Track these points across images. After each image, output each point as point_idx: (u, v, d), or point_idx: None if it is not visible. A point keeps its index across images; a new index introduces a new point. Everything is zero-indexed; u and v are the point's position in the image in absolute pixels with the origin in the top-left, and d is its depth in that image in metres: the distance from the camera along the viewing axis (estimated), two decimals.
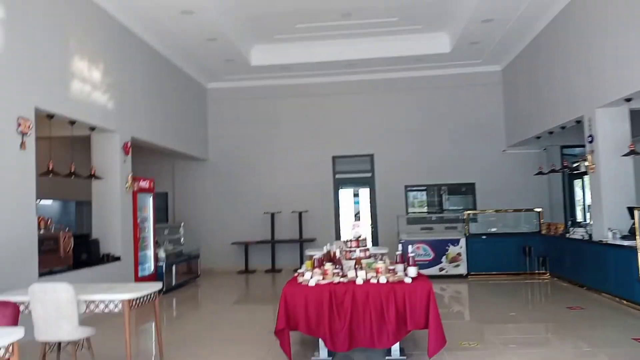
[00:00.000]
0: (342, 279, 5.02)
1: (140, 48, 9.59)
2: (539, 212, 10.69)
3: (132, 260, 8.75)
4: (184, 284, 10.47)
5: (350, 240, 5.64)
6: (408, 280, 4.89)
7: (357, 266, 5.21)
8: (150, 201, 9.62)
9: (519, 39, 10.71)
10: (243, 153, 13.18)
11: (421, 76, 12.78)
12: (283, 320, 4.78)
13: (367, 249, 5.64)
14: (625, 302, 7.08)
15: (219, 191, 13.14)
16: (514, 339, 5.83)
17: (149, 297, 4.85)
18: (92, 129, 8.02)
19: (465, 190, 12.90)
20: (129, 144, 8.82)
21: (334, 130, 13.07)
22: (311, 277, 5.03)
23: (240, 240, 12.64)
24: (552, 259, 9.80)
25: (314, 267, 5.26)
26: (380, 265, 5.14)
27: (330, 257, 5.51)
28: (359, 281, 4.91)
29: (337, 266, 5.23)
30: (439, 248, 10.17)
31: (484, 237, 10.43)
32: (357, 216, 13.65)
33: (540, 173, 10.90)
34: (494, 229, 10.93)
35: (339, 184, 13.28)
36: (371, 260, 5.47)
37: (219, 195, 13.12)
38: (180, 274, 10.26)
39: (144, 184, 9.35)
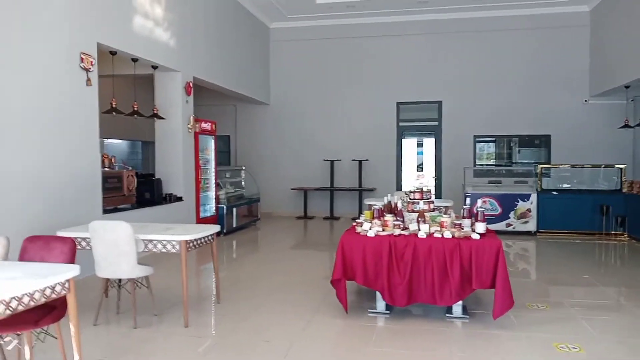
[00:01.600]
0: (403, 232, 4.76)
1: None
2: (621, 168, 9.83)
3: (193, 201, 8.87)
4: (244, 226, 10.60)
5: (414, 192, 5.32)
6: (475, 236, 4.55)
7: (420, 219, 4.91)
8: (212, 143, 9.62)
9: None
10: (303, 98, 12.89)
11: (498, 16, 11.76)
12: (340, 270, 4.62)
13: (432, 202, 5.31)
14: None
15: (279, 136, 13.02)
16: (585, 302, 5.40)
17: (206, 239, 4.81)
18: (155, 67, 7.97)
19: (539, 142, 12.06)
20: (191, 84, 8.74)
21: (399, 74, 12.45)
22: (370, 228, 4.80)
23: (299, 186, 12.59)
24: (632, 220, 9.04)
25: (373, 218, 5.03)
26: (445, 219, 4.81)
27: (390, 209, 5.23)
28: (422, 235, 4.63)
29: (398, 218, 4.95)
30: (507, 203, 9.61)
31: (556, 193, 9.74)
32: (419, 167, 13.20)
33: (626, 126, 9.94)
34: (568, 185, 10.19)
35: (402, 132, 12.78)
36: (435, 213, 5.15)
37: (279, 141, 13.02)
38: (241, 216, 10.37)
39: (206, 125, 9.33)
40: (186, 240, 4.44)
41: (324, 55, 12.79)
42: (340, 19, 12.35)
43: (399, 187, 12.52)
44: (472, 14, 11.83)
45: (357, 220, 5.02)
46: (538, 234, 9.59)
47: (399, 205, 5.20)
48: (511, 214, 9.59)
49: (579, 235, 9.40)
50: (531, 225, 9.58)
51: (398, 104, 12.60)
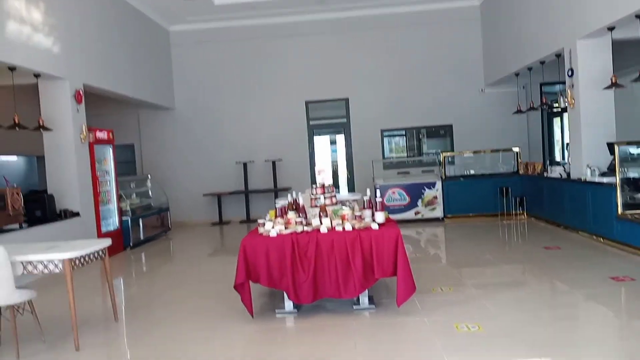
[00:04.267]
0: (306, 228, 4.69)
1: None
2: (516, 152, 10.44)
3: (93, 216, 8.31)
4: (154, 238, 10.12)
5: (316, 187, 5.28)
6: (375, 226, 4.58)
7: (321, 214, 4.86)
8: (110, 153, 9.06)
9: None
10: (211, 100, 12.55)
11: (396, 13, 12.07)
12: (243, 273, 4.47)
13: (334, 196, 5.29)
14: (602, 240, 6.92)
15: (187, 141, 12.59)
16: (488, 282, 5.62)
17: (96, 254, 4.47)
18: (37, 75, 7.37)
19: (444, 132, 12.55)
20: (81, 92, 8.18)
21: (306, 73, 12.45)
22: (272, 227, 4.68)
23: (212, 191, 12.23)
24: (529, 199, 9.61)
25: (276, 217, 4.93)
26: (346, 211, 4.81)
27: (294, 206, 5.15)
28: (324, 229, 4.59)
29: (301, 214, 4.88)
30: (415, 192, 9.91)
31: (461, 179, 10.17)
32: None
33: (518, 112, 10.55)
34: (471, 171, 10.66)
35: (313, 130, 12.81)
36: (337, 207, 5.13)
37: (188, 146, 12.58)
38: (150, 227, 9.89)
39: (102, 134, 8.78)
40: (70, 259, 4.09)
41: (229, 57, 12.53)
42: (243, 19, 12.14)
43: (313, 184, 12.50)
44: (371, 11, 12.04)
45: (259, 221, 4.89)
46: (446, 219, 9.96)
47: (301, 201, 5.13)
48: (419, 202, 9.89)
49: (483, 218, 9.85)
50: (438, 212, 9.93)
51: (307, 102, 12.61)
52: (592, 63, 7.43)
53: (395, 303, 4.47)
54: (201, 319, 4.78)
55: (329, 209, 4.96)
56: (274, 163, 12.28)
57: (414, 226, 9.56)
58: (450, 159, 10.72)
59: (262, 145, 12.45)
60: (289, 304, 4.70)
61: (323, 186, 5.27)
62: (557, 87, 11.72)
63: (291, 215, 4.81)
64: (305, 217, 4.88)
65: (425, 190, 9.89)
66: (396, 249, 4.38)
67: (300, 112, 12.57)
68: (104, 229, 8.52)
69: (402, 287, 4.35)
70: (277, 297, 5.09)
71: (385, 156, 12.53)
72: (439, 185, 9.92)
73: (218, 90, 12.54)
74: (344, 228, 4.57)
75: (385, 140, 12.68)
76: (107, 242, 4.66)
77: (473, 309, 4.56)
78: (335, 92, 12.50)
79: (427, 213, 9.92)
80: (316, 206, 5.12)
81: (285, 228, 4.69)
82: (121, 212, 9.08)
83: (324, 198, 5.11)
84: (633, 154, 6.64)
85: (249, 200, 12.30)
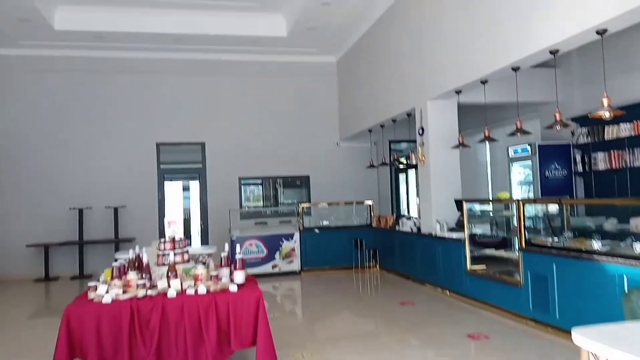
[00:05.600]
0: (149, 292, 3.96)
1: None
2: (370, 204, 10.70)
3: None
4: None
5: (164, 242, 4.58)
6: (234, 288, 4.03)
7: (170, 274, 4.18)
8: None
9: (355, 29, 10.52)
10: (42, 137, 10.96)
11: (256, 61, 11.95)
12: (64, 350, 3.59)
13: (186, 252, 4.63)
14: (452, 294, 7.13)
15: (8, 183, 10.74)
16: (350, 343, 5.33)
17: None
18: None
19: (300, 183, 12.49)
20: None
21: (158, 114, 11.58)
22: (107, 292, 3.87)
23: (38, 242, 10.48)
24: (382, 252, 9.80)
25: (112, 278, 4.12)
26: (200, 271, 4.20)
27: (137, 264, 4.39)
28: (172, 293, 3.91)
29: (145, 275, 4.15)
30: (273, 244, 9.52)
31: (317, 230, 10.07)
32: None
33: (371, 166, 10.91)
34: (327, 223, 10.64)
35: (164, 175, 11.87)
36: (190, 265, 4.49)
37: (9, 189, 10.74)
38: None
39: None
40: None
41: (68, 89, 11.16)
42: (87, 50, 10.98)
43: (163, 235, 11.45)
44: (231, 57, 11.73)
45: (89, 284, 4.03)
46: (303, 272, 9.69)
47: (145, 259, 4.39)
48: (277, 255, 9.52)
49: (338, 270, 9.77)
50: (296, 265, 9.63)
51: (158, 144, 11.69)
52: (440, 123, 7.89)
53: None
54: None
55: (180, 268, 4.29)
56: (116, 210, 11.02)
57: (271, 280, 9.09)
58: (307, 210, 10.61)
59: (103, 190, 11.13)
60: None
61: (173, 240, 4.60)
62: (403, 145, 12.49)
63: (132, 276, 4.06)
64: (150, 278, 4.15)
65: (283, 242, 9.56)
66: (257, 315, 3.87)
67: (149, 154, 11.59)
68: None
69: (261, 359, 3.82)
70: None
71: (242, 205, 12.04)
72: (297, 236, 9.67)
73: (51, 125, 11.03)
74: (196, 291, 3.94)
75: (242, 188, 12.22)
76: None
77: None
78: (191, 135, 11.81)
79: (284, 266, 9.55)
80: (164, 264, 4.42)
81: (124, 292, 3.92)
82: None
83: (174, 254, 4.43)
84: (477, 211, 7.06)
85: (83, 252, 10.79)
